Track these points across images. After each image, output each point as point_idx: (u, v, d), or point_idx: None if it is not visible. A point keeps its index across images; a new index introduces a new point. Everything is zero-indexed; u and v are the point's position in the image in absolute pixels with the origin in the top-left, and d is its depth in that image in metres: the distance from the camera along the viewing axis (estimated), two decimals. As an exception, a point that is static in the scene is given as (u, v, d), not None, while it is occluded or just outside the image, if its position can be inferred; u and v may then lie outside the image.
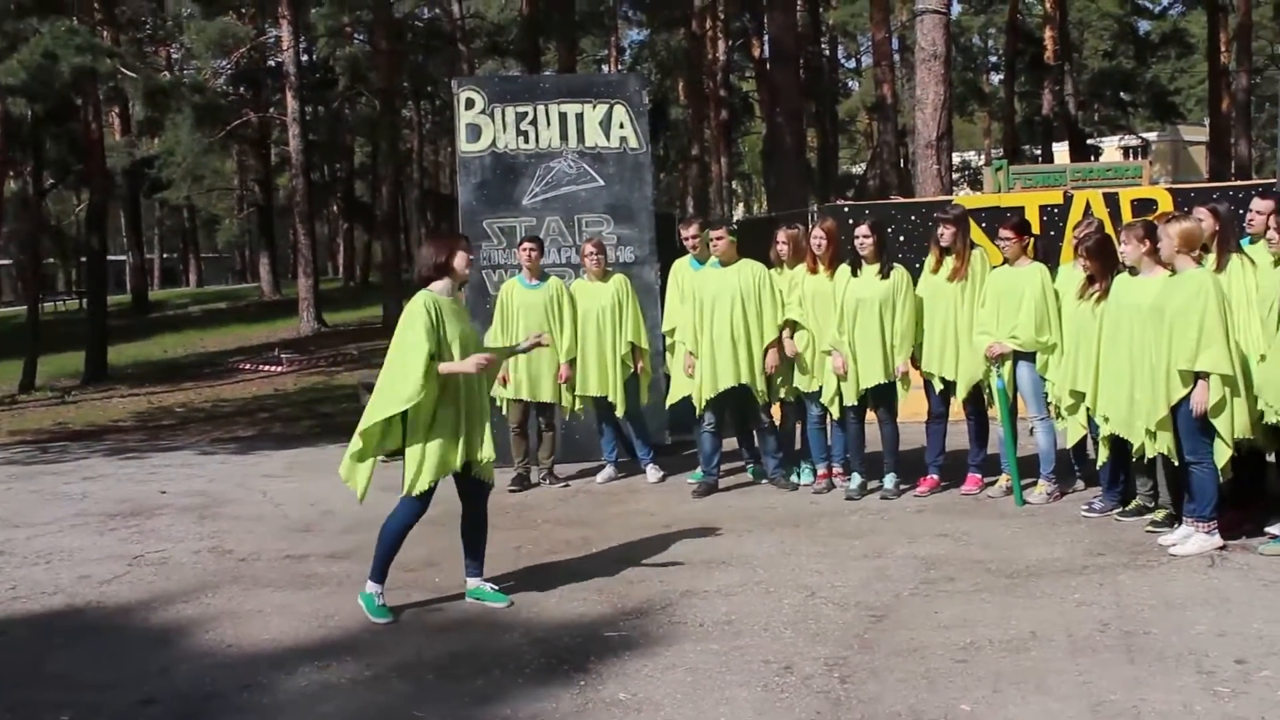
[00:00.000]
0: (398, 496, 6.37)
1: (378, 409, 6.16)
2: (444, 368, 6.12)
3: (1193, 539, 6.97)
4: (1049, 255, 9.19)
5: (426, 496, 6.29)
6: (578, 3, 35.58)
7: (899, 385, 8.83)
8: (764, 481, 9.63)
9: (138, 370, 24.94)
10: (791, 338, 9.14)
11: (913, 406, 9.22)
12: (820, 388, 9.05)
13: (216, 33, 31.99)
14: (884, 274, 8.72)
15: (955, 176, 41.18)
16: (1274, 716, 4.62)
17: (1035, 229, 10.76)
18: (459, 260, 6.37)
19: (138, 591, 7.22)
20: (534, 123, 11.20)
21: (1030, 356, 8.43)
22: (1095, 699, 4.85)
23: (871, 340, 8.68)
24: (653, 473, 10.09)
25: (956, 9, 41.56)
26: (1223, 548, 6.93)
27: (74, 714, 5.24)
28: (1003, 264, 8.63)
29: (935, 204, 12.13)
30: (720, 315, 9.13)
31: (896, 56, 39.74)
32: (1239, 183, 17.55)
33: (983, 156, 55.84)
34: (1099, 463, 7.96)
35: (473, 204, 11.19)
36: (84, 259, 31.77)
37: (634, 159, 11.25)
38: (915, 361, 8.86)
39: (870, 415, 8.99)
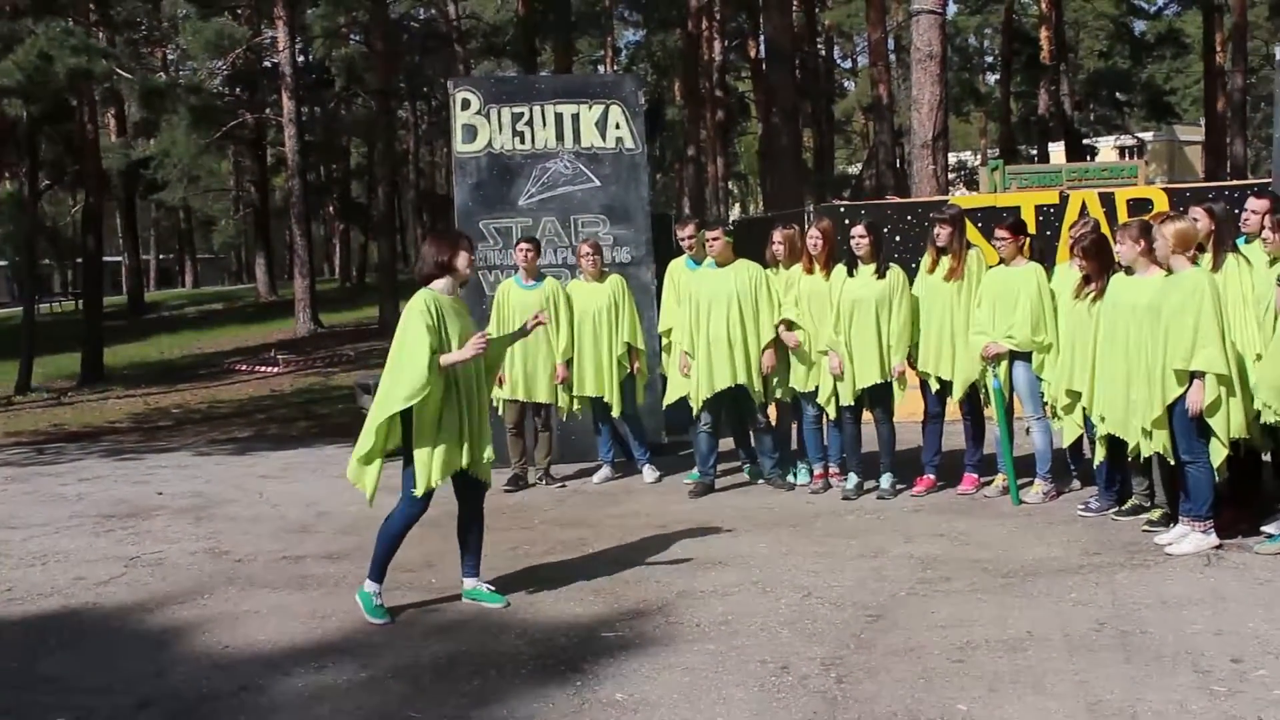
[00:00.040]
0: (397, 497, 6.36)
1: (383, 407, 6.15)
2: (445, 360, 6.12)
3: (1189, 538, 6.98)
4: (1045, 255, 9.17)
5: (427, 497, 6.29)
6: (574, 3, 35.61)
7: (895, 385, 8.83)
8: (760, 482, 9.63)
9: (134, 371, 24.93)
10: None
11: (909, 406, 9.22)
12: (816, 388, 9.05)
13: (212, 34, 31.93)
14: (880, 274, 8.72)
15: (951, 176, 41.17)
16: (1270, 715, 4.62)
17: (1031, 229, 10.74)
18: (461, 260, 6.37)
19: (134, 593, 7.21)
20: (530, 123, 11.20)
21: (1026, 356, 8.43)
22: (1092, 698, 4.86)
23: (868, 340, 8.69)
24: (649, 473, 10.09)
25: (952, 9, 41.58)
26: (1219, 547, 6.93)
27: (69, 716, 5.23)
28: (999, 264, 8.64)
29: (931, 204, 12.12)
30: (716, 316, 9.12)
31: (892, 57, 39.81)
32: (1234, 182, 17.57)
33: (979, 156, 55.95)
34: (1095, 462, 7.97)
35: (469, 205, 11.18)
36: (80, 260, 31.81)
37: (630, 159, 11.25)
38: (911, 361, 8.86)
39: (866, 415, 8.99)
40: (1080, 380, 7.79)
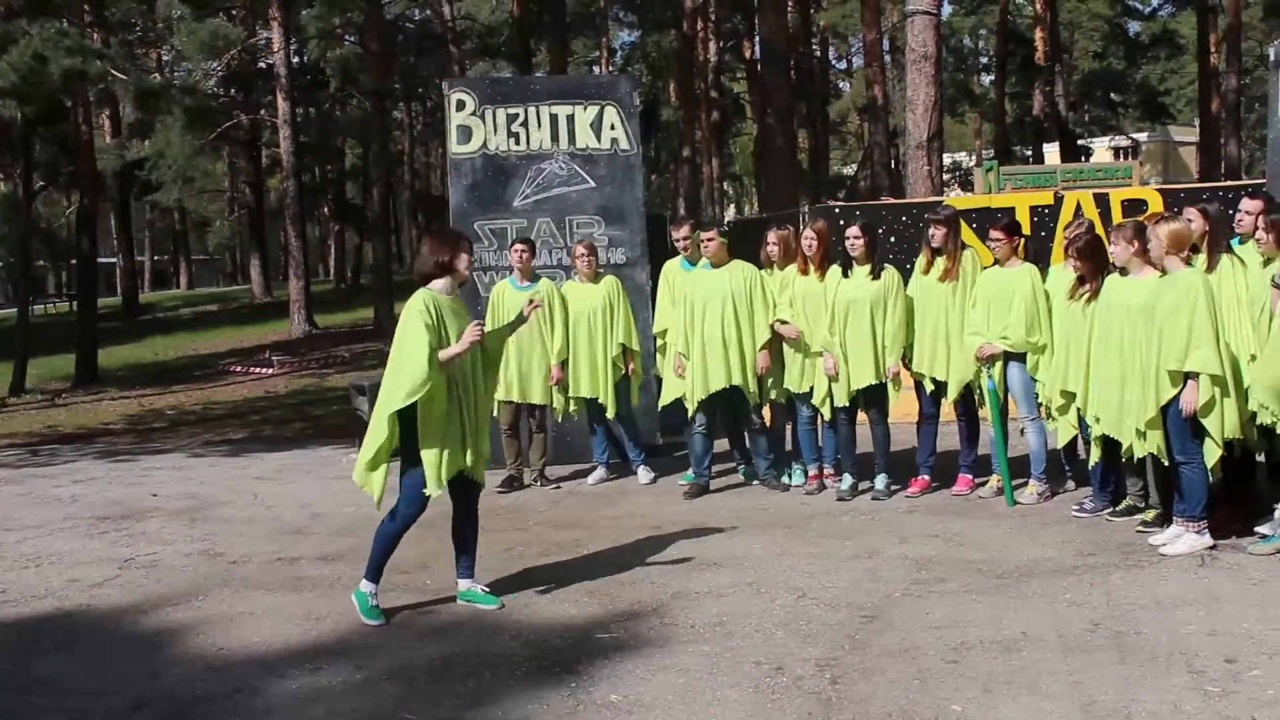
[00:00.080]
0: (394, 498, 6.36)
1: (386, 406, 6.14)
2: (444, 355, 6.11)
3: (1183, 539, 6.99)
4: (1040, 256, 9.19)
5: (426, 499, 6.29)
6: (569, 4, 35.61)
7: (890, 386, 8.83)
8: (755, 483, 9.62)
9: (128, 373, 24.90)
10: (784, 337, 9.15)
11: (903, 407, 9.22)
12: (811, 388, 9.05)
13: (207, 35, 31.94)
14: (875, 275, 8.72)
15: (946, 177, 41.24)
16: (1264, 715, 4.63)
17: (1026, 230, 10.77)
18: (461, 261, 6.37)
19: (128, 595, 7.21)
20: (525, 124, 11.19)
21: (1021, 357, 8.44)
22: (1086, 699, 4.86)
23: (863, 341, 8.69)
24: (644, 474, 10.09)
25: (947, 10, 41.62)
26: (1213, 547, 6.94)
27: (63, 718, 5.23)
28: (993, 265, 8.64)
29: (926, 205, 12.12)
30: (711, 317, 9.12)
31: (887, 58, 39.78)
32: (1229, 183, 17.59)
33: (973, 157, 56.00)
34: (1090, 463, 7.98)
35: (464, 205, 11.18)
36: (74, 261, 31.73)
37: (625, 160, 11.25)
38: (906, 362, 8.87)
39: (861, 416, 9.00)
40: (1075, 381, 7.80)
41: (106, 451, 14.22)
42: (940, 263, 8.74)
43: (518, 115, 11.17)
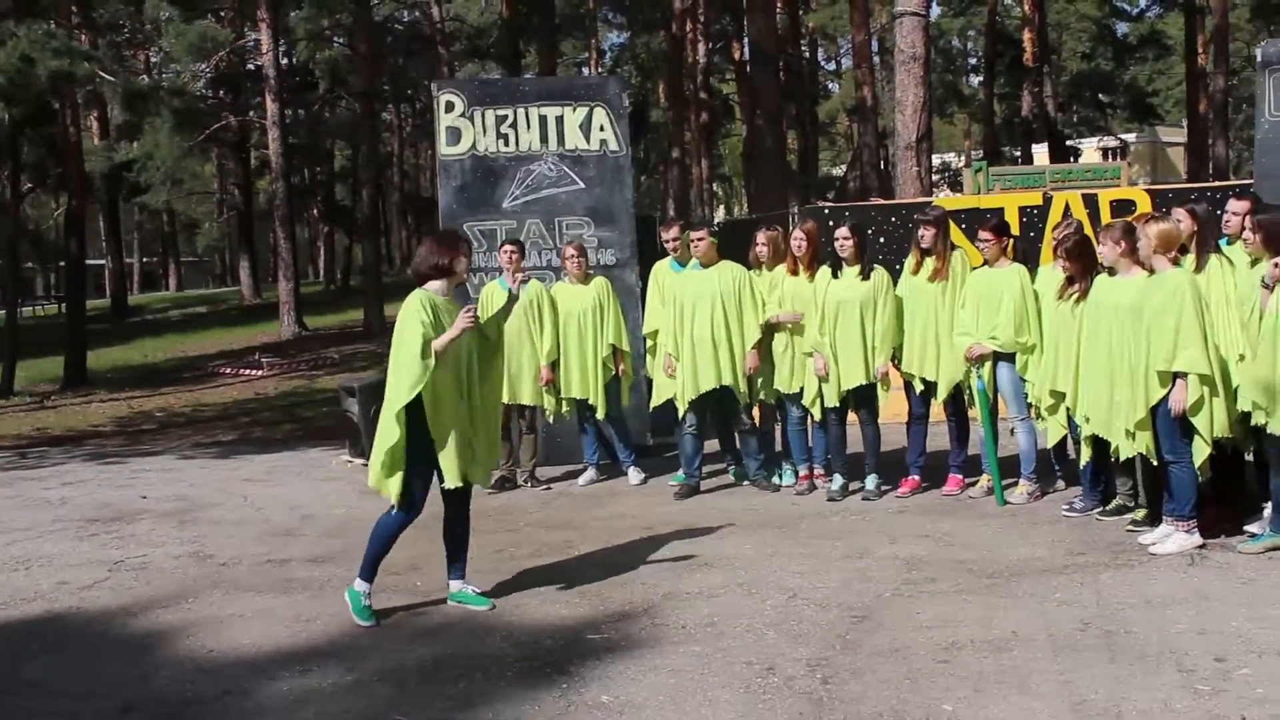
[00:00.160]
0: (384, 500, 6.36)
1: (392, 404, 6.14)
2: (438, 343, 6.11)
3: (1173, 538, 7.00)
4: (1028, 256, 9.20)
5: (422, 500, 6.29)
6: (558, 6, 35.59)
7: (879, 386, 8.84)
8: (746, 483, 9.63)
9: (117, 375, 24.85)
10: (773, 338, 9.15)
11: (893, 407, 9.23)
12: (801, 389, 9.05)
13: (195, 36, 31.87)
14: (864, 275, 8.73)
15: (935, 178, 41.22)
16: (1253, 714, 4.64)
17: (1015, 230, 10.78)
18: (460, 263, 6.40)
19: (117, 597, 7.19)
20: (514, 125, 11.19)
21: (1010, 357, 8.45)
22: (1076, 698, 4.87)
23: (852, 342, 8.69)
24: (634, 475, 10.09)
25: (936, 11, 41.66)
26: (1202, 546, 6.96)
27: (53, 721, 5.22)
28: (982, 265, 8.66)
29: (915, 205, 12.14)
30: (701, 317, 9.13)
31: (876, 59, 39.86)
32: (1217, 183, 17.65)
33: (962, 158, 56.07)
34: (1081, 463, 7.99)
35: (453, 207, 11.18)
36: (63, 263, 31.68)
37: (614, 161, 11.25)
38: (896, 362, 8.88)
39: (851, 416, 9.00)
40: (1064, 381, 7.82)
41: (95, 454, 14.19)
42: (929, 263, 8.75)
43: (507, 116, 11.18)
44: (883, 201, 15.39)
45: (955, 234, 9.80)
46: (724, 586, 6.74)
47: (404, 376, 6.10)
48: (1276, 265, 6.62)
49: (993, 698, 4.92)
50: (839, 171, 55.20)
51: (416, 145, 60.55)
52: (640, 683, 5.30)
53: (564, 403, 10.05)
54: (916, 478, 9.03)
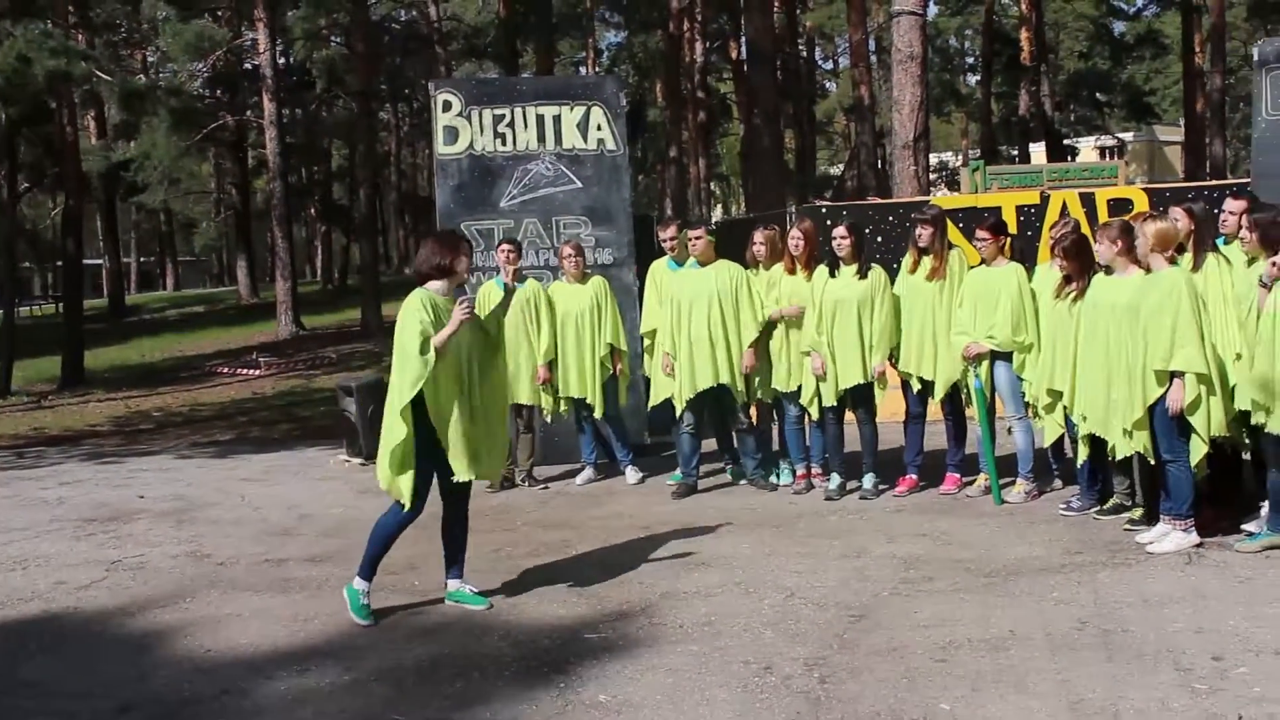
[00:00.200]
0: (383, 498, 6.36)
1: (396, 402, 6.15)
2: (437, 339, 6.12)
3: (1170, 537, 7.00)
4: (1026, 255, 9.20)
5: (422, 500, 6.30)
6: (555, 5, 35.58)
7: (875, 385, 8.84)
8: (743, 482, 9.63)
9: (114, 375, 24.83)
10: (771, 337, 9.16)
11: (891, 407, 9.23)
12: (799, 387, 9.06)
13: (192, 36, 31.85)
14: (862, 274, 8.73)
15: (932, 177, 41.23)
16: (1250, 712, 4.64)
17: (1012, 229, 10.78)
18: (461, 263, 6.43)
19: (115, 597, 7.18)
20: (511, 125, 11.20)
21: (1007, 356, 8.46)
22: (1074, 697, 4.87)
23: (850, 341, 8.69)
24: (632, 474, 10.09)
25: (933, 10, 41.68)
26: (1200, 545, 6.96)
27: (50, 720, 5.22)
28: (980, 264, 8.66)
29: (913, 205, 12.14)
30: (698, 316, 9.13)
31: (873, 58, 39.88)
32: (1214, 182, 17.64)
33: (960, 157, 56.11)
34: (1078, 462, 7.99)
35: (450, 206, 11.18)
36: (60, 263, 31.65)
37: (611, 161, 11.25)
38: (893, 361, 8.88)
39: (849, 415, 9.00)
40: (1061, 380, 7.82)
41: (93, 453, 14.18)
42: (927, 262, 8.75)
43: (504, 116, 11.18)
44: (880, 200, 15.38)
45: (953, 233, 9.81)
46: (721, 586, 6.74)
47: (405, 374, 6.12)
48: (1274, 264, 6.61)
49: (990, 697, 4.92)
50: (836, 170, 55.17)
51: (414, 144, 60.54)
52: (638, 682, 5.30)
53: (562, 402, 10.05)
54: (914, 477, 9.03)
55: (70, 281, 25.19)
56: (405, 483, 6.20)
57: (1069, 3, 44.82)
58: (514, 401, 9.88)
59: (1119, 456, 7.40)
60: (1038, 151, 39.43)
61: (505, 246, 9.89)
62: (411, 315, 6.17)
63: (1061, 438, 8.41)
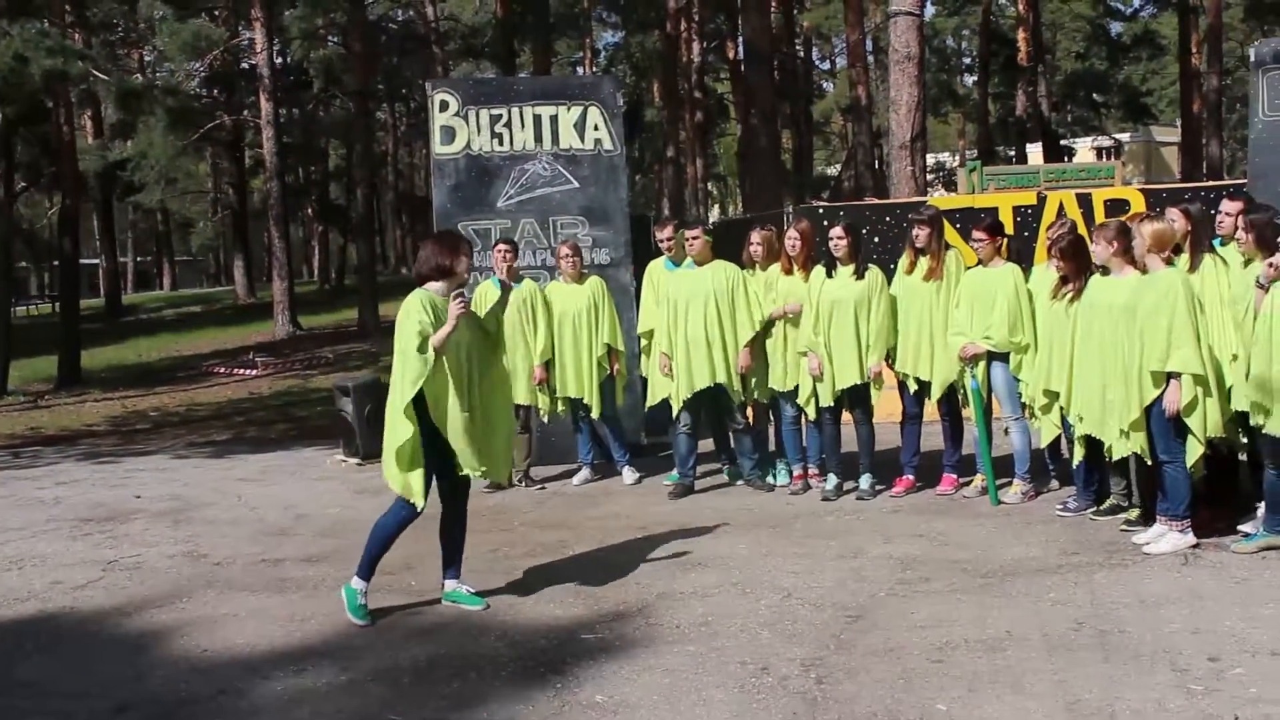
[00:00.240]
0: (381, 499, 6.36)
1: (398, 401, 6.15)
2: (435, 338, 6.13)
3: (1166, 538, 7.01)
4: (1023, 256, 9.21)
5: (425, 497, 6.29)
6: (552, 5, 35.58)
7: (872, 385, 8.84)
8: (740, 483, 9.63)
9: (111, 374, 24.81)
10: (769, 336, 9.16)
11: (887, 407, 9.24)
12: (795, 387, 9.06)
13: (189, 35, 31.84)
14: (859, 275, 8.73)
15: (930, 177, 41.30)
16: (1246, 713, 4.65)
17: (1009, 230, 10.80)
18: (462, 264, 6.43)
19: (111, 597, 7.18)
20: (508, 125, 11.18)
21: (1004, 357, 8.46)
22: (1070, 697, 4.88)
23: (847, 341, 8.69)
24: (629, 475, 10.09)
25: (930, 11, 41.72)
26: (1196, 546, 6.97)
27: (47, 721, 5.22)
28: (976, 265, 8.66)
29: (910, 205, 12.14)
30: (694, 316, 9.13)
31: (871, 58, 39.85)
32: (1211, 183, 17.65)
33: (957, 157, 56.11)
34: (1074, 462, 8.00)
35: (447, 206, 11.17)
36: (56, 263, 31.63)
37: (609, 161, 11.25)
38: (890, 362, 8.88)
39: (845, 416, 9.01)
40: (1058, 380, 7.82)
41: (90, 453, 14.17)
42: (924, 263, 8.76)
43: (501, 116, 11.17)
44: (877, 201, 15.39)
45: (950, 233, 9.81)
46: (718, 586, 6.74)
47: (405, 373, 6.13)
48: (1271, 265, 6.62)
49: (987, 697, 4.92)
50: (834, 171, 55.21)
51: (411, 144, 60.56)
52: (634, 682, 5.30)
53: (559, 402, 10.05)
54: (911, 477, 9.03)
55: (67, 281, 25.16)
56: (416, 480, 6.20)
57: (1066, 3, 44.83)
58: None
59: (1116, 457, 7.41)
60: (1035, 152, 39.41)
61: (502, 246, 9.90)
62: (411, 315, 6.18)
63: (1058, 438, 8.42)
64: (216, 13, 37.10)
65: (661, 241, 9.67)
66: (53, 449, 14.85)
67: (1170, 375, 6.87)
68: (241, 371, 23.15)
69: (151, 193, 38.77)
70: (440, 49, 36.51)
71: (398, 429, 6.16)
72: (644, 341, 9.84)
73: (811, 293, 8.84)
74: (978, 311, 8.46)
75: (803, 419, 9.19)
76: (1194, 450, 6.97)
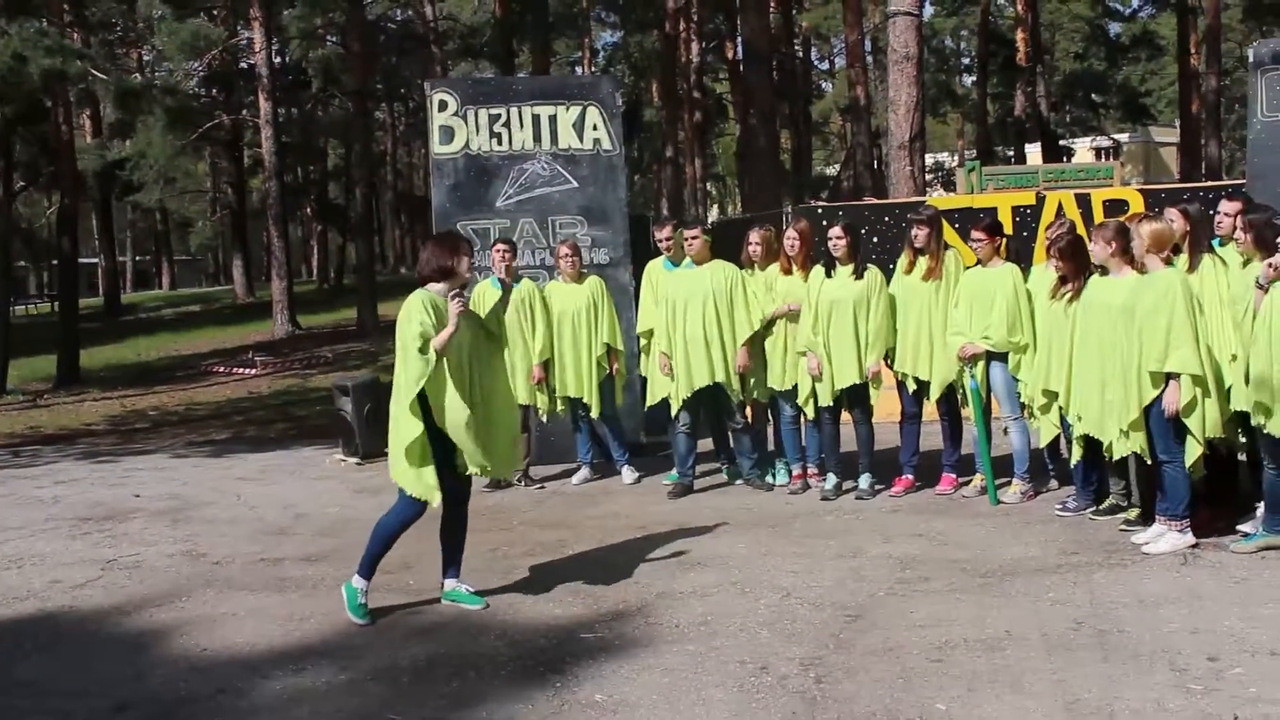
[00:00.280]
0: (380, 498, 6.36)
1: (402, 400, 6.15)
2: (437, 340, 6.13)
3: (1165, 537, 7.01)
4: (1021, 256, 9.22)
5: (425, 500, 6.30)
6: (551, 5, 35.58)
7: (870, 385, 8.84)
8: (739, 482, 9.63)
9: (110, 374, 24.80)
10: (769, 335, 9.16)
11: (886, 407, 9.24)
12: (795, 386, 9.06)
13: (188, 35, 31.82)
14: (858, 275, 8.73)
15: (928, 177, 41.32)
16: (1245, 713, 4.65)
17: (1008, 230, 10.80)
18: (463, 264, 6.43)
19: (110, 596, 7.18)
20: (507, 124, 11.19)
21: (1003, 357, 8.46)
22: (1070, 697, 4.88)
23: (846, 341, 8.69)
24: (628, 474, 10.08)
25: (929, 11, 41.72)
26: (1195, 546, 6.97)
27: (46, 720, 5.22)
28: (975, 265, 8.66)
29: (909, 205, 12.15)
30: (692, 315, 9.13)
31: (869, 58, 39.88)
32: (1209, 183, 17.66)
33: (956, 157, 56.17)
34: (1072, 462, 8.00)
35: (446, 206, 11.17)
36: (55, 262, 31.63)
37: (607, 160, 11.25)
38: (889, 361, 8.88)
39: (844, 415, 9.01)
40: (1057, 380, 7.83)
41: (89, 452, 14.17)
42: (923, 262, 8.76)
43: (500, 116, 11.17)
44: (876, 201, 15.40)
45: (948, 233, 9.80)
46: (717, 585, 6.74)
47: (407, 374, 6.13)
48: (1270, 266, 6.62)
49: (986, 697, 4.93)
50: (832, 171, 55.27)
51: (410, 144, 60.58)
52: (634, 682, 5.30)
53: (559, 402, 10.05)
54: (910, 477, 9.03)
55: (66, 280, 25.14)
56: (430, 475, 6.20)
57: (1064, 4, 44.86)
58: (510, 401, 9.89)
59: (1116, 456, 7.41)
60: (1033, 152, 39.45)
61: (500, 246, 9.89)
62: (412, 316, 6.18)
63: (1057, 438, 8.42)
64: (215, 12, 37.08)
65: (660, 241, 9.67)
66: (51, 448, 14.84)
67: (1169, 376, 6.88)
68: (240, 371, 23.14)
69: (150, 192, 38.77)
70: (439, 48, 36.54)
71: (405, 427, 6.17)
72: (643, 341, 9.84)
73: (810, 293, 8.84)
74: (976, 311, 8.46)
75: (802, 418, 9.19)
76: (1193, 450, 6.98)
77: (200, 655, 5.99)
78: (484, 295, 9.86)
